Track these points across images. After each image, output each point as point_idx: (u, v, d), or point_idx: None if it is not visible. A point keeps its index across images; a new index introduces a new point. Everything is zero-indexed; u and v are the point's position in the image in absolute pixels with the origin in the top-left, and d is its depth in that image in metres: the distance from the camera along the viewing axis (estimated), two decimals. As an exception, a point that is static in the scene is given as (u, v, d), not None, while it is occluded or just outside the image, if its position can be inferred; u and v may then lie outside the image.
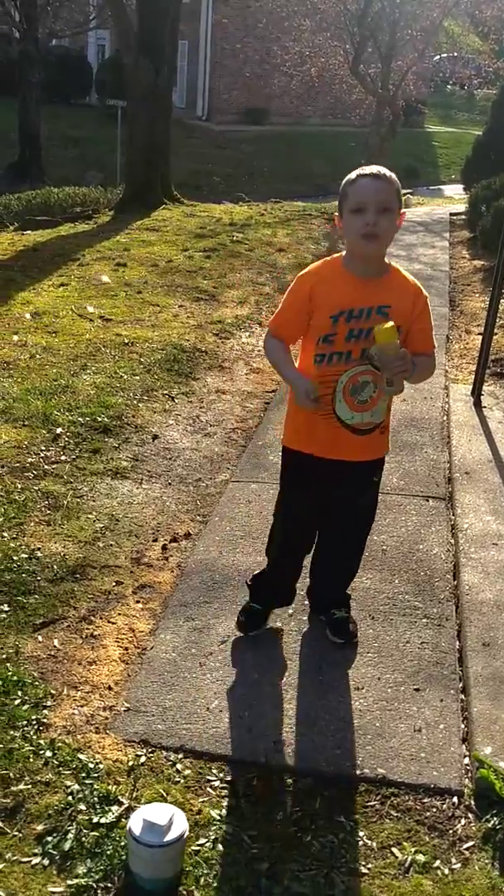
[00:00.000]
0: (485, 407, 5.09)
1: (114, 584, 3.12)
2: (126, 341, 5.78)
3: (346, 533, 2.83)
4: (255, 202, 13.97)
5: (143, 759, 2.29)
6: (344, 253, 2.52)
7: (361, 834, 2.12)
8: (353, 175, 2.41)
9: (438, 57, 26.19)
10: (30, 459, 3.98)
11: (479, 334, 5.56)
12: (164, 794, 2.17)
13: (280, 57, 22.01)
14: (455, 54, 22.52)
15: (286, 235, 10.37)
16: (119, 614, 2.94)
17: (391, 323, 2.32)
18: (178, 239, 9.50)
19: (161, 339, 5.89)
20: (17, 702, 2.46)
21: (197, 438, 4.50)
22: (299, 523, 2.80)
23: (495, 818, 2.17)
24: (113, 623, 2.89)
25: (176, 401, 4.97)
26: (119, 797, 2.15)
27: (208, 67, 27.33)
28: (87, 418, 4.49)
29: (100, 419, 4.49)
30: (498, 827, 2.14)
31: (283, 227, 10.91)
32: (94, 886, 1.92)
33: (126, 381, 5.08)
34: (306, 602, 3.03)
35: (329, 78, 20.19)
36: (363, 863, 2.04)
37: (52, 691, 2.53)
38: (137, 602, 3.03)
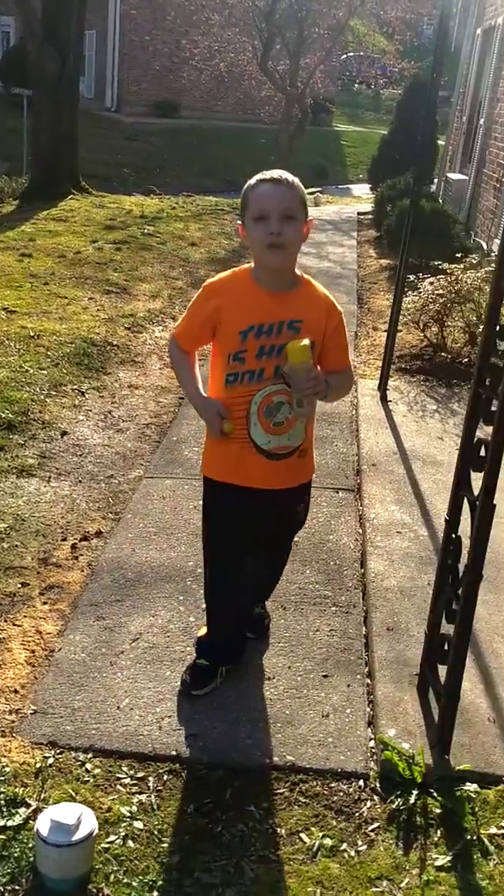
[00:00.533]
0: (390, 401, 5.23)
1: (19, 585, 3.06)
2: (32, 334, 5.66)
3: (271, 559, 2.74)
4: (167, 195, 13.88)
5: (50, 760, 2.26)
6: (252, 264, 2.35)
7: (271, 822, 2.15)
8: (253, 180, 2.26)
9: (345, 56, 26.63)
10: None
11: (385, 331, 5.70)
12: (73, 794, 2.15)
13: (189, 50, 21.92)
14: (361, 54, 22.95)
15: (198, 230, 10.36)
16: (25, 616, 2.89)
17: (306, 341, 2.20)
18: (87, 230, 9.35)
19: (70, 333, 5.80)
20: None
21: (109, 434, 4.45)
22: (226, 558, 2.53)
23: (399, 799, 2.24)
24: (18, 626, 2.84)
25: (86, 396, 4.91)
26: (27, 799, 2.12)
27: (117, 58, 26.94)
28: (-8, 415, 4.37)
29: (3, 415, 4.38)
30: (402, 807, 2.22)
31: (196, 222, 10.90)
32: (2, 890, 1.89)
33: (32, 376, 4.97)
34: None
35: (238, 73, 20.25)
36: (272, 850, 2.07)
37: (-43, 696, 2.47)
38: (45, 603, 2.98)
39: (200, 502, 3.72)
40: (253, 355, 2.28)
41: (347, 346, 2.46)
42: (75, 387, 4.98)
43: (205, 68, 21.03)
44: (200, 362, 2.52)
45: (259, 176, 2.27)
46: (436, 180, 14.38)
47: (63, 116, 11.61)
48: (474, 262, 6.16)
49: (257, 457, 2.35)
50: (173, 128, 25.04)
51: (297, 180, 2.28)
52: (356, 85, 31.06)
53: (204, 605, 2.73)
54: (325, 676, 2.69)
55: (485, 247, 9.28)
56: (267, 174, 2.27)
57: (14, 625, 2.84)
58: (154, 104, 26.74)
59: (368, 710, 2.57)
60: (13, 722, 2.40)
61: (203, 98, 27.00)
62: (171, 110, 26.65)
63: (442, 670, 2.41)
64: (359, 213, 13.51)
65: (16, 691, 2.52)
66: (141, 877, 1.96)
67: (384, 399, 5.23)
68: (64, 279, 7.23)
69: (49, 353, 5.37)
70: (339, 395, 2.47)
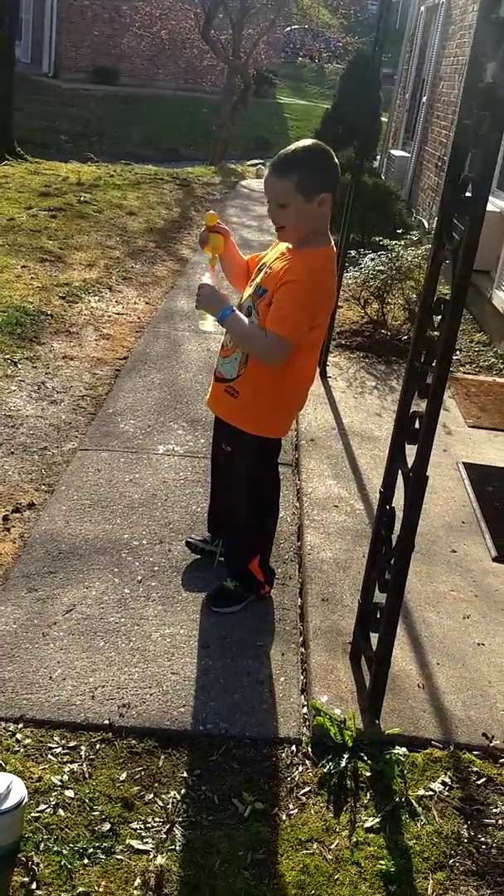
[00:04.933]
0: (329, 377, 5.26)
1: (-50, 556, 2.99)
2: (-36, 303, 5.49)
3: (220, 478, 3.02)
4: (105, 163, 13.57)
5: (-20, 731, 2.23)
6: None
7: (203, 788, 2.17)
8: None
9: (290, 28, 26.37)
10: None
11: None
12: (3, 764, 2.12)
13: (130, 16, 21.35)
14: (306, 27, 22.74)
15: (137, 199, 10.18)
16: (-44, 587, 2.83)
17: (213, 213, 2.70)
18: (22, 196, 9.08)
19: (2, 301, 5.64)
20: None
21: (42, 405, 4.36)
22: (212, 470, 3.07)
23: (330, 763, 2.28)
24: (-51, 596, 2.77)
25: (19, 366, 4.79)
26: (-45, 772, 2.09)
27: (55, 22, 26.06)
28: None
29: None
30: (333, 771, 2.26)
31: (134, 190, 10.69)
32: None
33: (-36, 346, 4.83)
34: (156, 568, 3.04)
35: (180, 41, 19.84)
36: (204, 815, 2.09)
37: None
38: (-24, 574, 2.92)
39: (136, 475, 3.71)
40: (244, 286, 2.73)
41: (283, 316, 2.44)
42: (7, 357, 4.86)
43: (146, 35, 20.52)
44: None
45: (278, 154, 2.46)
46: (378, 157, 14.43)
47: (-2, 79, 11.23)
48: (415, 238, 6.21)
49: (214, 371, 2.79)
50: (112, 95, 24.43)
51: (307, 160, 2.40)
52: (300, 58, 30.79)
53: (139, 578, 2.78)
54: (259, 646, 2.71)
55: (426, 224, 9.38)
56: (279, 155, 2.44)
57: None
58: (93, 70, 26.01)
59: (302, 678, 2.60)
60: None
61: (143, 66, 26.39)
62: (110, 77, 25.96)
63: (374, 638, 2.46)
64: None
65: None
66: (71, 844, 1.95)
67: (324, 375, 5.26)
68: (-3, 246, 7.01)
69: (-19, 321, 5.22)
70: (241, 344, 2.60)
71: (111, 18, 25.75)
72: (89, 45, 26.20)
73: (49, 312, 5.69)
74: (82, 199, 9.42)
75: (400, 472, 2.36)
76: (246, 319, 2.55)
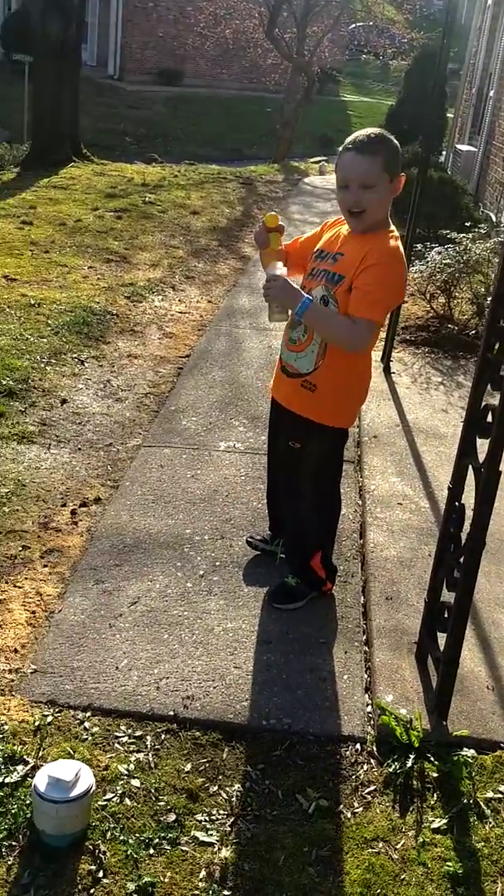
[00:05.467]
0: (394, 373, 5.20)
1: (20, 548, 3.05)
2: (32, 302, 5.61)
3: (283, 475, 2.91)
4: (169, 164, 13.71)
5: (49, 718, 2.27)
6: None
7: (267, 783, 2.16)
8: (346, 143, 2.43)
9: (354, 25, 26.16)
10: None
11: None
12: (71, 752, 2.16)
13: (194, 17, 21.51)
14: (371, 23, 22.50)
15: (200, 198, 10.25)
16: (26, 579, 2.89)
17: (274, 213, 2.62)
18: (88, 198, 9.24)
19: (70, 301, 5.75)
20: None
21: (108, 403, 4.43)
22: (269, 456, 3.04)
23: (396, 763, 2.25)
24: (19, 587, 2.84)
25: (86, 365, 4.87)
26: (25, 756, 2.13)
27: (120, 25, 26.43)
28: (-8, 381, 4.34)
29: (4, 382, 4.35)
30: (398, 771, 2.23)
31: (198, 190, 10.77)
32: (-1, 846, 1.90)
33: (32, 344, 4.94)
34: (217, 563, 3.05)
35: (244, 41, 19.88)
36: (268, 810, 2.08)
37: (-45, 656, 2.47)
38: (45, 566, 2.98)
39: (197, 471, 3.73)
40: (307, 273, 2.61)
41: (373, 300, 2.43)
42: (75, 355, 4.94)
43: (210, 35, 20.66)
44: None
45: (350, 138, 2.43)
46: (444, 152, 14.21)
47: (64, 83, 11.42)
48: (483, 232, 6.09)
49: (279, 364, 2.73)
50: (177, 96, 24.64)
51: (383, 142, 2.40)
52: (364, 55, 30.53)
53: (202, 572, 2.83)
54: (322, 643, 2.69)
55: (493, 218, 9.19)
56: (357, 136, 2.41)
57: (15, 586, 2.84)
58: (157, 72, 26.29)
59: (366, 676, 2.57)
60: (13, 681, 2.40)
61: (207, 66, 26.56)
62: (174, 78, 26.20)
63: (441, 638, 2.41)
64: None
65: (16, 651, 2.53)
66: (137, 834, 1.97)
67: (387, 371, 5.20)
68: (64, 247, 7.16)
69: (49, 321, 5.33)
70: (327, 333, 2.53)
71: (175, 20, 25.97)
72: (154, 46, 26.48)
73: (114, 312, 5.77)
74: (147, 199, 9.54)
75: (470, 467, 2.30)
76: (326, 309, 2.50)
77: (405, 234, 5.30)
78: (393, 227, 2.54)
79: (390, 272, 2.44)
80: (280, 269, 2.55)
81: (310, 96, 16.66)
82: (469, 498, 2.33)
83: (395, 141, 2.45)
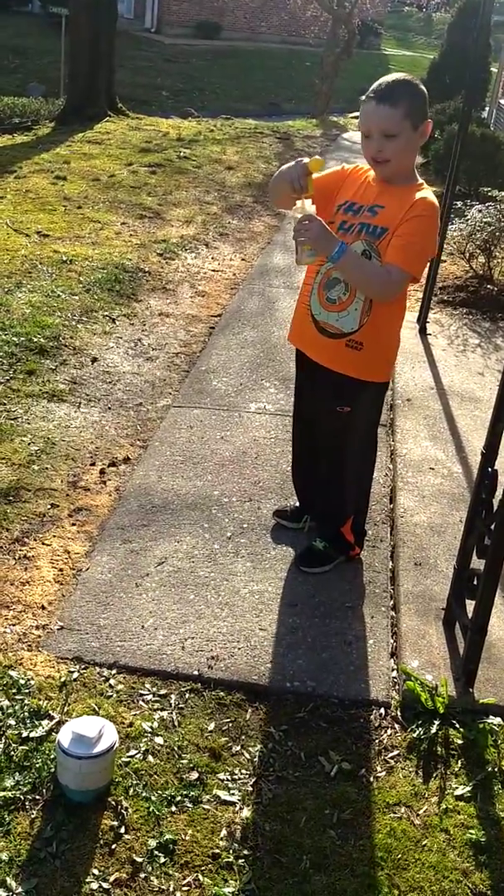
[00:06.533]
0: (430, 334, 5.09)
1: (49, 506, 3.06)
2: (64, 259, 5.58)
3: (320, 441, 2.82)
4: (205, 118, 13.47)
5: (75, 675, 2.29)
6: None
7: (290, 744, 2.16)
8: (368, 91, 2.36)
9: (397, -26, 25.30)
10: (-38, 379, 3.84)
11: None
12: (96, 709, 2.17)
13: (233, -34, 20.95)
14: (414, -28, 21.74)
15: (236, 153, 10.07)
16: (54, 536, 2.90)
17: (320, 157, 2.41)
18: (122, 153, 9.13)
19: (102, 258, 5.70)
20: None
21: (138, 362, 4.40)
22: (297, 425, 2.95)
23: (420, 728, 2.23)
24: (47, 545, 2.85)
25: (117, 323, 4.84)
26: (50, 712, 2.15)
27: (158, -25, 25.92)
28: (22, 338, 4.34)
29: (35, 339, 4.34)
30: (423, 737, 2.21)
31: (233, 145, 10.58)
32: (22, 798, 1.92)
33: (64, 301, 4.91)
34: (245, 525, 3.03)
35: (284, -9, 19.36)
36: (290, 771, 2.08)
37: (-17, 611, 2.50)
38: (73, 525, 2.98)
39: (227, 433, 3.70)
40: (335, 228, 2.44)
41: (417, 252, 2.37)
42: (106, 313, 4.91)
43: (249, -14, 20.13)
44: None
45: (373, 87, 2.35)
46: (487, 107, 13.75)
47: (101, 36, 11.22)
48: (525, 190, 5.89)
49: (311, 326, 2.57)
50: (214, 49, 24.15)
51: (405, 91, 2.33)
52: (406, 7, 29.58)
53: (229, 534, 2.79)
54: (348, 607, 2.67)
55: (535, 178, 8.88)
56: (378, 86, 2.34)
57: (43, 544, 2.85)
58: (195, 25, 25.77)
59: (392, 641, 2.55)
60: (40, 637, 2.42)
61: (246, 19, 25.98)
62: (212, 31, 25.66)
63: (470, 605, 2.37)
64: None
65: (43, 607, 2.54)
66: (160, 791, 1.98)
67: (423, 332, 5.09)
68: (98, 203, 7.09)
69: (81, 278, 5.29)
70: (361, 282, 2.43)
71: (214, -30, 25.38)
72: (192, -1, 25.94)
73: (147, 269, 5.72)
74: (182, 154, 9.39)
75: (504, 432, 2.24)
76: (360, 256, 2.40)
77: (444, 191, 5.15)
78: (422, 180, 2.48)
79: (432, 226, 2.39)
80: (312, 207, 2.40)
81: (350, 50, 16.20)
82: (502, 464, 2.27)
83: (421, 86, 2.37)
